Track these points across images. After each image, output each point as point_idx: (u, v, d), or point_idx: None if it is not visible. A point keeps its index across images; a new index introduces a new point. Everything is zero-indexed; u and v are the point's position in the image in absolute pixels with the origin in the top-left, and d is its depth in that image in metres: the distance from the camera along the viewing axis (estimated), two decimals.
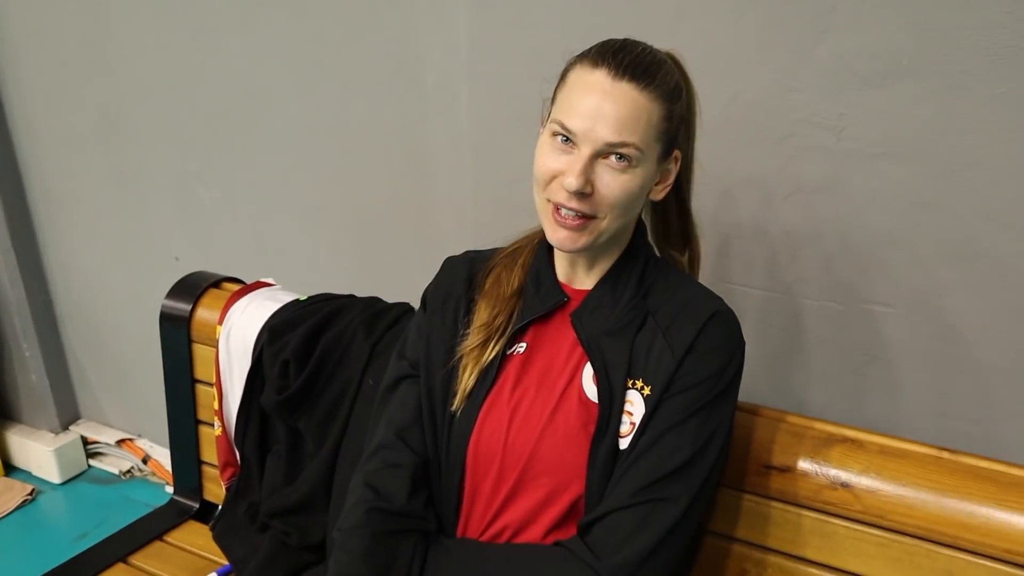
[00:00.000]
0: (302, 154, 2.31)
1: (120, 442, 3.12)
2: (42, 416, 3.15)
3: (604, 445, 1.24)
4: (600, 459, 1.24)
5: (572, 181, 1.18)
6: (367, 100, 2.15)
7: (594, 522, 1.22)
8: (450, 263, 1.48)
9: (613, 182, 1.20)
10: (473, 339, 1.35)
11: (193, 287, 2.02)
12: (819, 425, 1.40)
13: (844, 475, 1.32)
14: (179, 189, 2.59)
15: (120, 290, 2.89)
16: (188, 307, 1.98)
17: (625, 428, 1.24)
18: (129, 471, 3.11)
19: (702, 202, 1.73)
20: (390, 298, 1.90)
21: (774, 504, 1.38)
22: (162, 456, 3.04)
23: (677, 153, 1.30)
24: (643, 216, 1.38)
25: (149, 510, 2.08)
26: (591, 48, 1.25)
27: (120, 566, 1.88)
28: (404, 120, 2.11)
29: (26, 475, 3.14)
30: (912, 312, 1.65)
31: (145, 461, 3.08)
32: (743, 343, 1.30)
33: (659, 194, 1.32)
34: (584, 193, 1.20)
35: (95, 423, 3.22)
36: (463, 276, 1.43)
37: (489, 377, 1.33)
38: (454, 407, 1.34)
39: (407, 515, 1.32)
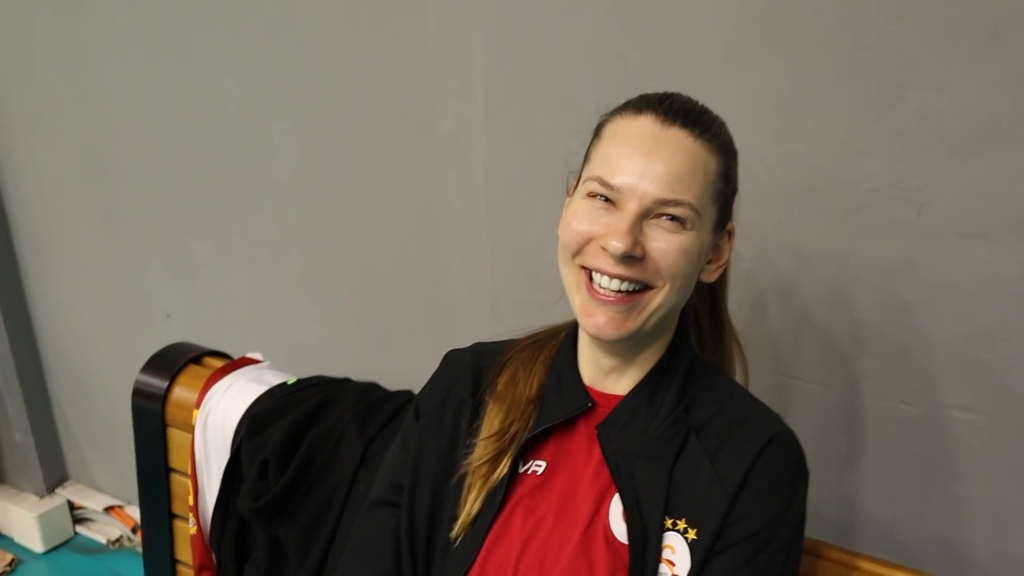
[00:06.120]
0: (301, 208, 2.06)
1: (108, 509, 2.87)
2: (26, 477, 2.91)
3: None
4: None
5: (618, 244, 0.95)
6: (372, 149, 1.89)
7: None
8: (452, 358, 1.22)
9: (668, 243, 0.97)
10: (482, 451, 1.10)
11: (171, 362, 1.77)
12: None
13: None
14: (169, 240, 2.34)
15: (108, 345, 2.66)
16: (164, 384, 1.74)
17: None
18: (118, 540, 2.85)
19: (753, 282, 1.50)
20: (393, 376, 1.66)
21: None
22: None
23: (731, 226, 1.07)
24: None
25: None
26: (628, 100, 1.03)
27: None
28: (413, 174, 1.86)
29: (7, 541, 2.89)
30: (1004, 422, 1.39)
31: (135, 531, 2.81)
32: (807, 473, 1.05)
33: (712, 274, 1.08)
34: (634, 256, 0.96)
35: (83, 486, 2.97)
36: (468, 373, 1.18)
37: (496, 499, 1.07)
38: (454, 533, 1.08)
39: None
